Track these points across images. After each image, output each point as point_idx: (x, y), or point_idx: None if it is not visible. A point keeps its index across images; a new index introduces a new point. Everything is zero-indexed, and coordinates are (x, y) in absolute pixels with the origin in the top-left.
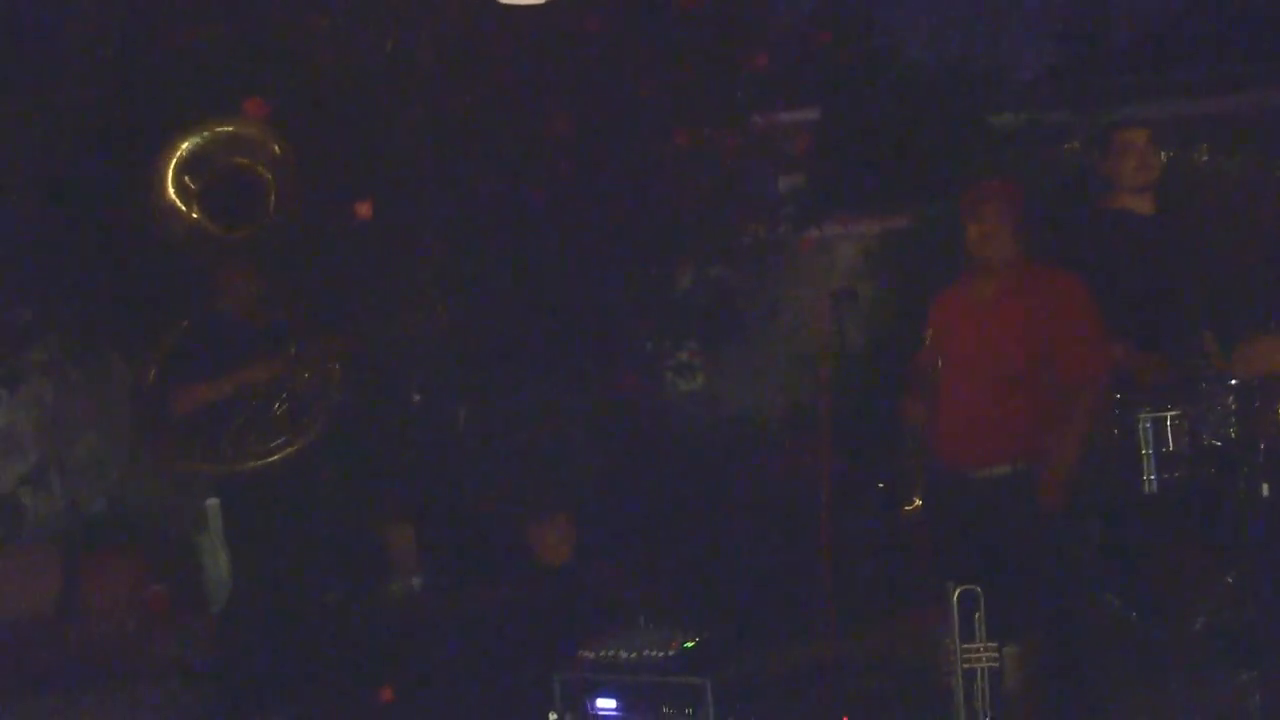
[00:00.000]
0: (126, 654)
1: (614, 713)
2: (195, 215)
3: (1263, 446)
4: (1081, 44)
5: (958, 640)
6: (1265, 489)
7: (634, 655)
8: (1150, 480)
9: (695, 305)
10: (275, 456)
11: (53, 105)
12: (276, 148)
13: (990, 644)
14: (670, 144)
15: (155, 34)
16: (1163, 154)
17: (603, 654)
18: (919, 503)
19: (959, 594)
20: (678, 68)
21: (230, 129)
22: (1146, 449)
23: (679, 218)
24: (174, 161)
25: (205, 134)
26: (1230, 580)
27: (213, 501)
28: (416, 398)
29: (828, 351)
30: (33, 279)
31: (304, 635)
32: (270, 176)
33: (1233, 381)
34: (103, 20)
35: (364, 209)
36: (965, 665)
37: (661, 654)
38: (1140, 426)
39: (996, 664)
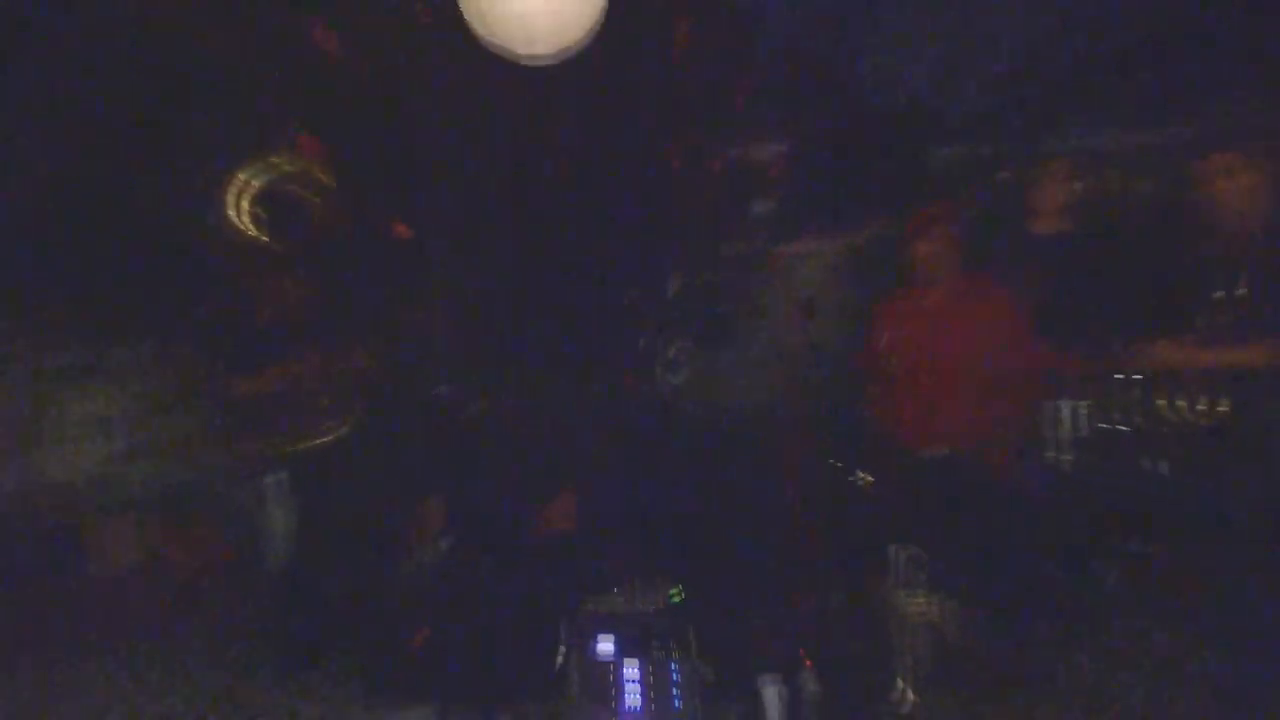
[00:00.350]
0: (197, 599)
1: (613, 654)
2: (255, 234)
3: (1162, 432)
4: (1012, 88)
5: (901, 592)
6: (1165, 467)
7: (629, 605)
8: (1061, 458)
9: (685, 309)
10: (323, 440)
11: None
12: (323, 178)
13: (926, 594)
14: (665, 166)
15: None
16: (1078, 184)
17: (603, 605)
18: (869, 479)
19: (903, 555)
20: (672, 100)
21: (285, 162)
22: (1064, 430)
23: (673, 231)
24: (236, 189)
25: (263, 166)
26: (1135, 544)
27: (274, 476)
28: (443, 389)
29: (797, 350)
30: (121, 293)
31: (348, 591)
32: (316, 202)
33: (1137, 377)
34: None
35: (403, 229)
36: (905, 612)
37: (652, 604)
38: (1056, 411)
39: (932, 611)
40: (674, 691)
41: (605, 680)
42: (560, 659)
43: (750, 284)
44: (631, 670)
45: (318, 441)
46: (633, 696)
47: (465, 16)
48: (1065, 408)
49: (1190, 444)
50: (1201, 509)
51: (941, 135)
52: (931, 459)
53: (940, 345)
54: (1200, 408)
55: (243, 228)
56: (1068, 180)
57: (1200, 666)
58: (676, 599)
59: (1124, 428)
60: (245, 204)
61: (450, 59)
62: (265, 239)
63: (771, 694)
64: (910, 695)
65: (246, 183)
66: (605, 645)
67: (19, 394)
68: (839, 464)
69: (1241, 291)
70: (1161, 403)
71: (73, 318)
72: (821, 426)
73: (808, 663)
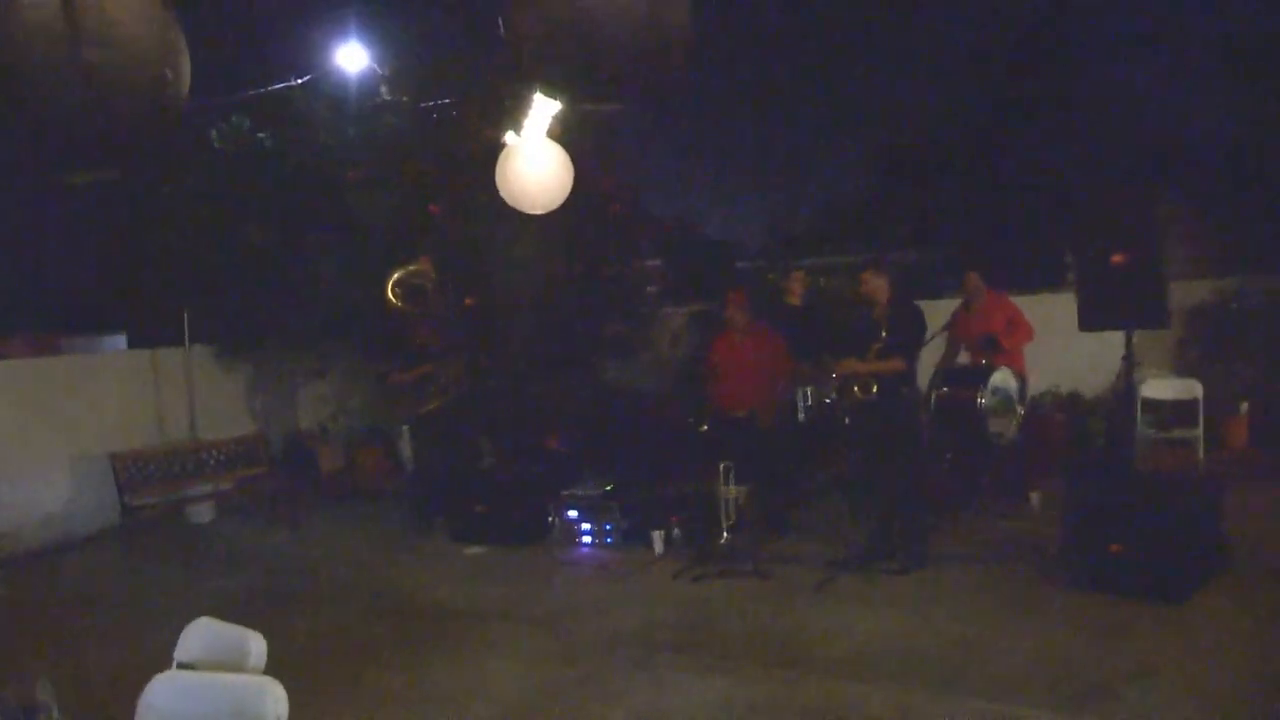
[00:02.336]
0: (371, 489)
1: (576, 518)
2: (402, 305)
3: (847, 403)
4: (778, 229)
5: (723, 484)
6: (846, 420)
7: (586, 491)
8: (801, 416)
9: (615, 340)
10: (432, 406)
11: None
12: (433, 274)
13: (736, 486)
14: (607, 272)
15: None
16: (807, 281)
17: (573, 492)
18: (706, 427)
19: (724, 466)
20: (611, 246)
21: (416, 268)
22: (803, 402)
23: (609, 302)
24: (391, 283)
25: (404, 271)
26: (840, 455)
27: (406, 426)
28: (493, 381)
29: (671, 359)
30: (336, 333)
31: (443, 482)
32: (430, 287)
33: (835, 376)
34: None
35: (470, 301)
36: (725, 495)
37: (598, 491)
38: (799, 392)
39: (738, 496)
40: (607, 537)
41: (572, 531)
42: (550, 519)
43: (647, 329)
44: (585, 526)
45: (432, 407)
46: (585, 539)
47: (501, 194)
48: (804, 391)
49: (861, 408)
50: (865, 436)
51: (741, 255)
52: (737, 416)
53: (742, 359)
54: (866, 391)
55: (395, 301)
56: (802, 280)
57: (865, 504)
58: (609, 488)
59: (829, 400)
60: (397, 290)
61: (496, 217)
62: (405, 307)
63: (657, 537)
64: (726, 535)
65: (396, 279)
66: (572, 513)
67: (286, 384)
68: (691, 419)
69: (883, 336)
70: (849, 389)
71: (314, 346)
72: (682, 399)
73: (674, 519)
